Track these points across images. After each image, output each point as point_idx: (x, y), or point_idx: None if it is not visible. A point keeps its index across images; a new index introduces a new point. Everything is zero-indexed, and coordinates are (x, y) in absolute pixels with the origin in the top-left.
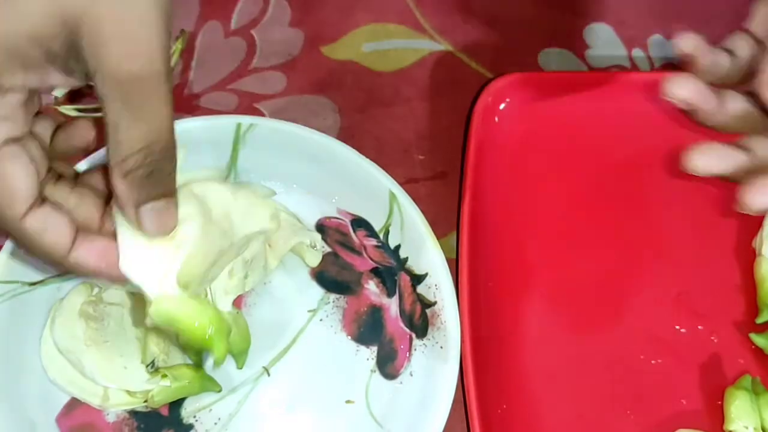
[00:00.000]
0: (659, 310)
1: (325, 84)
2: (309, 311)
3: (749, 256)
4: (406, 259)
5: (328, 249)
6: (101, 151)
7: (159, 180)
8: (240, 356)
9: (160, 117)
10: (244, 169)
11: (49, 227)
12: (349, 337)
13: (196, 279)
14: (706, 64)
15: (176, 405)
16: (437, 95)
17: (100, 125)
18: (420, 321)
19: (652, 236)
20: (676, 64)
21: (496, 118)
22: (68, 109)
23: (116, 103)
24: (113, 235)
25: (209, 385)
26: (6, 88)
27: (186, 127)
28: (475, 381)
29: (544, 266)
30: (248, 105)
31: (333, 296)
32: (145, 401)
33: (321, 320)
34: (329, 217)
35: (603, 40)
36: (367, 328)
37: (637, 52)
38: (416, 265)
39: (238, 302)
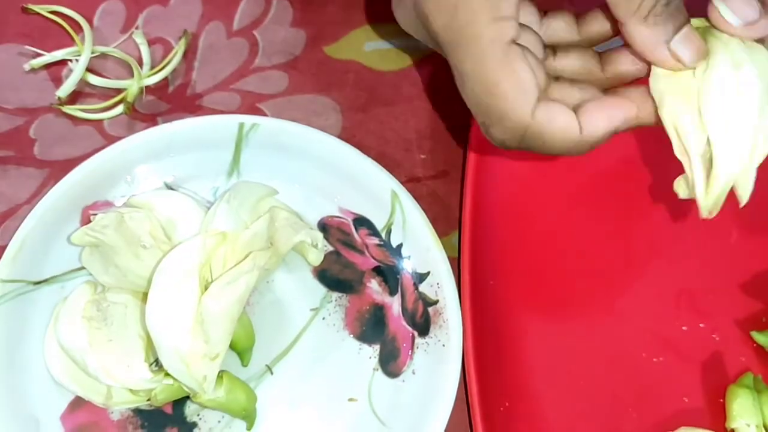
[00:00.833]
0: (661, 309)
1: (327, 83)
2: (311, 310)
3: (750, 255)
4: (408, 258)
5: (330, 248)
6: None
7: (675, 8)
8: (245, 354)
9: None
10: (246, 168)
11: (557, 114)
12: (352, 336)
13: None
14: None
15: (180, 403)
16: (439, 94)
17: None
18: (422, 319)
19: (654, 234)
20: None
21: None
22: (72, 110)
23: None
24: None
25: None
26: None
27: (189, 127)
28: (477, 379)
29: (546, 264)
30: (251, 105)
31: (335, 295)
32: (149, 399)
33: (323, 319)
34: (331, 216)
35: None
36: (370, 327)
37: None
38: (418, 264)
39: None
